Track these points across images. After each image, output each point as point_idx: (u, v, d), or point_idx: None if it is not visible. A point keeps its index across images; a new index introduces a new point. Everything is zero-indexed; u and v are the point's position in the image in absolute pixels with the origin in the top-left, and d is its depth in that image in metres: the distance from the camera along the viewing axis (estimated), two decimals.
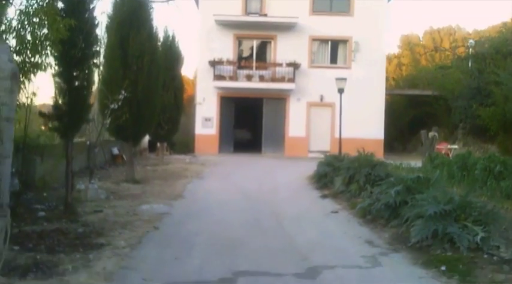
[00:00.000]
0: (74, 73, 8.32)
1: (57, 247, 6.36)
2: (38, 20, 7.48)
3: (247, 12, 26.78)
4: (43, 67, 7.66)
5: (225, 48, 26.37)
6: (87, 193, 10.02)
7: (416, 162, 23.92)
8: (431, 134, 17.40)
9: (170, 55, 18.60)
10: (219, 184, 13.94)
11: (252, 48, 27.15)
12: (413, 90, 31.25)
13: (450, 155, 23.66)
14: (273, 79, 25.94)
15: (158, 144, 21.75)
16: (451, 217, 7.16)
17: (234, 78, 25.94)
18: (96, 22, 8.61)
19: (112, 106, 10.27)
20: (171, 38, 18.96)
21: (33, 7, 7.45)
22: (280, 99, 26.79)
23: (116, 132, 13.14)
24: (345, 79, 18.18)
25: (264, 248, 6.99)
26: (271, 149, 26.60)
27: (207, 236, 7.58)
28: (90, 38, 8.42)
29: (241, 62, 26.49)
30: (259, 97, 26.65)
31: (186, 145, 26.79)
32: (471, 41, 34.56)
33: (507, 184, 10.93)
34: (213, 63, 25.79)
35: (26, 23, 7.44)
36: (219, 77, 25.85)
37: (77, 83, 8.37)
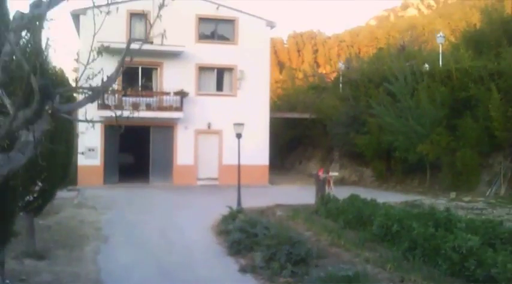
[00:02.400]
0: None
1: None
2: None
3: (131, 39, 25.97)
4: None
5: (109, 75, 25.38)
6: None
7: (298, 188, 25.16)
8: (322, 176, 18.35)
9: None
10: (128, 252, 13.12)
11: (137, 75, 26.43)
12: (292, 113, 32.71)
13: (331, 183, 25.21)
14: (160, 108, 25.59)
15: None
16: None
17: (119, 106, 25.02)
18: None
19: (27, 198, 9.50)
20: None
21: None
22: (167, 127, 26.52)
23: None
24: (242, 124, 18.53)
25: None
26: (160, 178, 26.27)
27: None
28: None
29: (127, 90, 25.68)
30: (146, 125, 26.12)
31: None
32: (341, 63, 36.90)
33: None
34: None
35: None
36: (103, 106, 24.81)
37: None
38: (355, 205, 15.51)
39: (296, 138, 35.10)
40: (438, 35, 28.58)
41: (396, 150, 23.78)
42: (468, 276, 9.82)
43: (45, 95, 4.37)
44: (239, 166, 18.51)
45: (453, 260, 10.22)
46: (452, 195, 21.99)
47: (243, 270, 11.28)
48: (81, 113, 22.25)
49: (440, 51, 27.60)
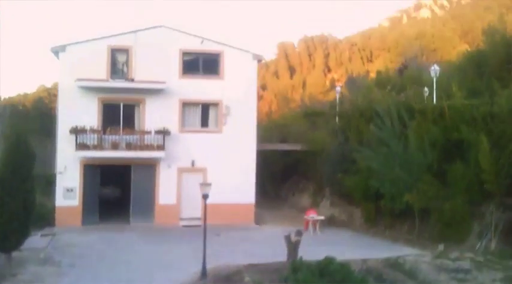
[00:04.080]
0: None
1: None
2: None
3: (112, 76, 25.27)
4: None
5: (89, 112, 24.82)
6: None
7: (285, 230, 24.18)
8: (294, 238, 17.27)
9: (18, 154, 16.90)
10: None
11: (119, 112, 25.59)
12: (283, 144, 31.67)
13: (317, 227, 24.28)
14: (141, 147, 24.78)
15: None
16: None
17: (98, 146, 24.39)
18: None
19: None
20: (21, 137, 17.09)
21: None
22: (149, 166, 25.73)
23: None
24: (209, 184, 17.56)
25: None
26: (141, 218, 25.56)
27: None
28: None
29: (107, 128, 24.95)
30: (127, 164, 25.45)
31: (44, 217, 24.95)
32: (338, 87, 35.75)
33: None
34: (75, 131, 24.04)
35: None
36: (82, 146, 24.17)
37: None
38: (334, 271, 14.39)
39: (291, 166, 34.12)
40: (431, 68, 27.25)
41: (382, 197, 22.70)
42: None
43: None
44: (205, 227, 17.44)
45: None
46: (441, 247, 20.87)
47: None
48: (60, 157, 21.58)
49: (435, 86, 26.26)
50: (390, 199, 22.31)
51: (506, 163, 20.12)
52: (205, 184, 17.30)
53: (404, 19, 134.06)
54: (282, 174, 35.48)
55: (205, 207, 17.33)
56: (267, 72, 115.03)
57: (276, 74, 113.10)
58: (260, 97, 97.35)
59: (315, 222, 24.28)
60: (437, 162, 22.31)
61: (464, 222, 21.14)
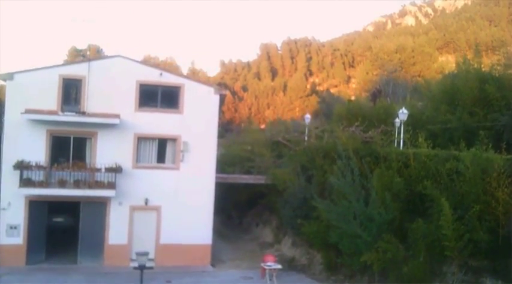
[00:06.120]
0: None
1: None
2: None
3: (63, 107, 23.77)
4: None
5: (37, 144, 23.35)
6: None
7: (241, 275, 23.18)
8: None
9: None
10: None
11: (69, 145, 24.09)
12: (246, 177, 30.48)
13: (274, 276, 23.14)
14: (91, 185, 23.30)
15: None
16: None
17: (44, 184, 22.91)
18: None
19: None
20: None
21: None
22: (99, 203, 24.33)
23: None
24: (147, 253, 16.29)
25: None
26: (89, 258, 24.24)
27: None
28: None
29: (56, 162, 23.49)
30: (76, 201, 24.03)
31: None
32: (307, 116, 34.57)
33: None
34: (20, 167, 22.56)
35: None
36: (26, 182, 22.67)
37: None
38: None
39: (256, 195, 32.97)
40: (400, 111, 26.17)
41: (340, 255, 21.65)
42: None
43: None
44: None
45: None
46: None
47: None
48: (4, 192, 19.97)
49: (402, 134, 25.23)
50: (348, 257, 21.26)
51: (470, 226, 19.12)
52: (141, 254, 16.01)
53: (389, 25, 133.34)
54: (247, 201, 34.39)
55: (141, 274, 16.07)
56: (248, 73, 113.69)
57: (258, 75, 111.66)
58: (240, 99, 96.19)
59: (272, 271, 23.15)
60: (400, 217, 21.29)
61: (424, 283, 20.17)
